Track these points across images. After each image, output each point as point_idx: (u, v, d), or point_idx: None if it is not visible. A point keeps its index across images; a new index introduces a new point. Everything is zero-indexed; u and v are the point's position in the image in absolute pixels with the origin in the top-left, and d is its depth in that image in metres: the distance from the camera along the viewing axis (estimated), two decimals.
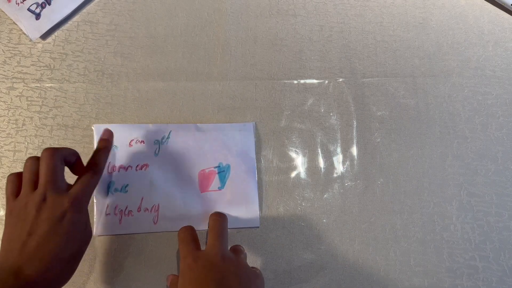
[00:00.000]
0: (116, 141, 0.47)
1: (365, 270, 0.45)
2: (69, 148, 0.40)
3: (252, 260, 0.45)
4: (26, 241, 0.34)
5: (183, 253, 0.38)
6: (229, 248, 0.41)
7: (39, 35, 0.51)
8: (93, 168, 0.40)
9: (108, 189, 0.46)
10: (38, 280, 0.34)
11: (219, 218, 0.41)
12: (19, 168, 0.47)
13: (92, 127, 0.48)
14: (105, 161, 0.43)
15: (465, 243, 0.46)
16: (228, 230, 0.42)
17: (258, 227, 0.46)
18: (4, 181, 0.47)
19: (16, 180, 0.38)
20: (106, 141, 0.44)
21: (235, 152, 0.48)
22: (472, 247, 0.46)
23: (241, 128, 0.48)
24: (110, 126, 0.47)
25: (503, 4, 0.52)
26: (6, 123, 0.49)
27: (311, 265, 0.45)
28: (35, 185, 0.37)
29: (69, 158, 0.39)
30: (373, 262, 0.45)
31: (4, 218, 0.45)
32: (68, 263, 0.36)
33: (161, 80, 0.50)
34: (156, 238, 0.45)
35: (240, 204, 0.46)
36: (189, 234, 0.40)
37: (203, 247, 0.39)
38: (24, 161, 0.38)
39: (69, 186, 0.38)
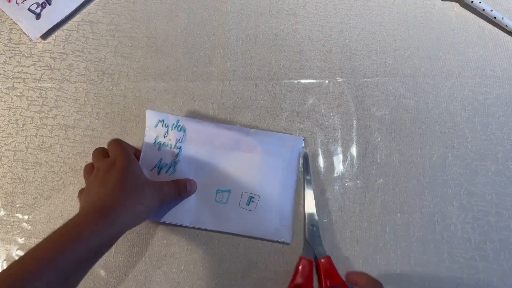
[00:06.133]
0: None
1: (365, 270, 0.45)
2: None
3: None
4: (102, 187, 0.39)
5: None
6: None
7: (40, 35, 0.51)
8: (184, 190, 0.45)
9: (159, 171, 0.46)
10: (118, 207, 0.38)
11: None
12: (19, 168, 0.47)
13: (146, 112, 0.47)
14: (192, 192, 0.46)
15: (465, 243, 0.46)
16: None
17: (288, 243, 0.45)
18: (5, 181, 0.47)
19: (90, 166, 0.43)
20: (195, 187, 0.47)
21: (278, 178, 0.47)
22: (472, 247, 0.46)
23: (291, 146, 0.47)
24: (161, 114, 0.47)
25: (497, 22, 0.52)
26: (7, 123, 0.49)
27: None
28: (105, 156, 0.42)
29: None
30: (373, 262, 0.45)
31: (3, 218, 0.46)
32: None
33: (161, 80, 0.50)
34: (159, 237, 0.45)
35: (273, 220, 0.46)
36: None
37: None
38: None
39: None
